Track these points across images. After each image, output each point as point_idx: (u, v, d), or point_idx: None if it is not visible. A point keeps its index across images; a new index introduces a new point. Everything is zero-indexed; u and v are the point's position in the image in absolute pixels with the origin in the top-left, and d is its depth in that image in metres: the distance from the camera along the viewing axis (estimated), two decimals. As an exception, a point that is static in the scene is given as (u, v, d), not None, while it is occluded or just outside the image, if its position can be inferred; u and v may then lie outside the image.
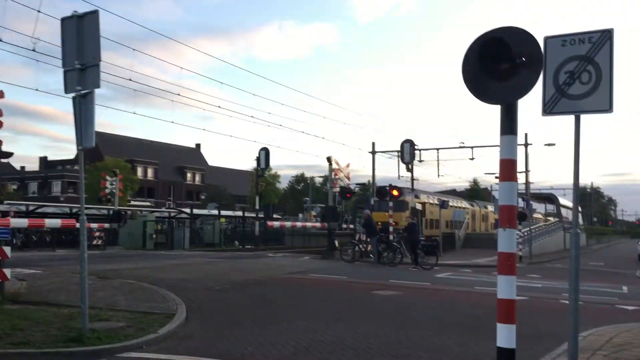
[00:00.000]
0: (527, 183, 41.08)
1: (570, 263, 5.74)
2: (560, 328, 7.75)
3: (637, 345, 7.24)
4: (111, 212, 34.90)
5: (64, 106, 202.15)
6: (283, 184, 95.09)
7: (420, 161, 41.15)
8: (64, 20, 8.06)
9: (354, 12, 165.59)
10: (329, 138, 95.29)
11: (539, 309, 11.85)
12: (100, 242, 32.66)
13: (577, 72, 5.50)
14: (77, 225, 28.05)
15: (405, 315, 10.83)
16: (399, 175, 39.53)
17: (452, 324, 9.91)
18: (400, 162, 36.24)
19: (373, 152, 40.90)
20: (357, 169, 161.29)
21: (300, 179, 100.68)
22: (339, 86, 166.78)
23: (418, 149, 38.11)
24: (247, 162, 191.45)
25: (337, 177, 31.82)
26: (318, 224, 45.53)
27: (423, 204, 44.14)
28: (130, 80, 23.23)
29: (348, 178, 33.95)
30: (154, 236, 34.34)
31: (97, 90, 7.85)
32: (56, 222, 31.43)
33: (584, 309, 9.02)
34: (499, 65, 4.94)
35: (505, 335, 4.91)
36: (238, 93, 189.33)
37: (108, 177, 36.57)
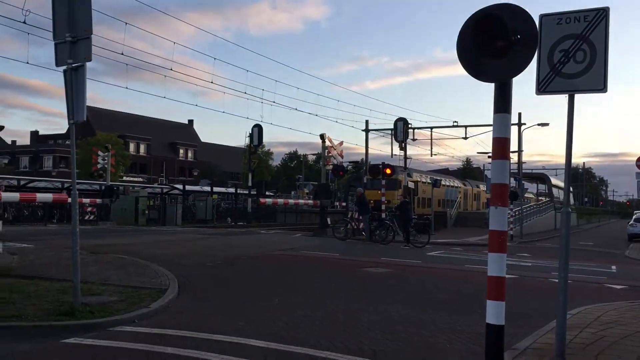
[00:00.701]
0: (520, 163, 41.16)
1: (560, 242, 5.78)
2: (549, 306, 7.83)
3: (624, 324, 7.34)
4: (103, 187, 34.84)
5: (55, 80, 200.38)
6: (276, 161, 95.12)
7: (414, 140, 41.18)
8: (54, -8, 7.93)
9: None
10: (322, 115, 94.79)
11: (528, 287, 11.97)
12: (92, 217, 32.64)
13: (571, 51, 5.48)
14: (69, 200, 28.02)
15: (396, 292, 10.91)
16: (392, 154, 39.57)
17: (443, 301, 9.99)
18: (394, 141, 36.25)
19: (366, 130, 40.87)
20: (350, 147, 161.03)
21: (293, 156, 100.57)
22: (332, 63, 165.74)
23: (411, 128, 38.11)
24: (239, 139, 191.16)
25: (330, 154, 31.89)
26: (310, 202, 45.75)
27: (416, 182, 44.33)
28: (122, 54, 23.06)
29: (341, 156, 34.01)
30: (147, 212, 34.35)
31: (88, 64, 7.77)
32: (48, 197, 31.40)
33: (573, 287, 9.12)
34: (493, 42, 4.91)
35: (494, 312, 4.96)
36: (231, 69, 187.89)
37: (100, 152, 36.47)
